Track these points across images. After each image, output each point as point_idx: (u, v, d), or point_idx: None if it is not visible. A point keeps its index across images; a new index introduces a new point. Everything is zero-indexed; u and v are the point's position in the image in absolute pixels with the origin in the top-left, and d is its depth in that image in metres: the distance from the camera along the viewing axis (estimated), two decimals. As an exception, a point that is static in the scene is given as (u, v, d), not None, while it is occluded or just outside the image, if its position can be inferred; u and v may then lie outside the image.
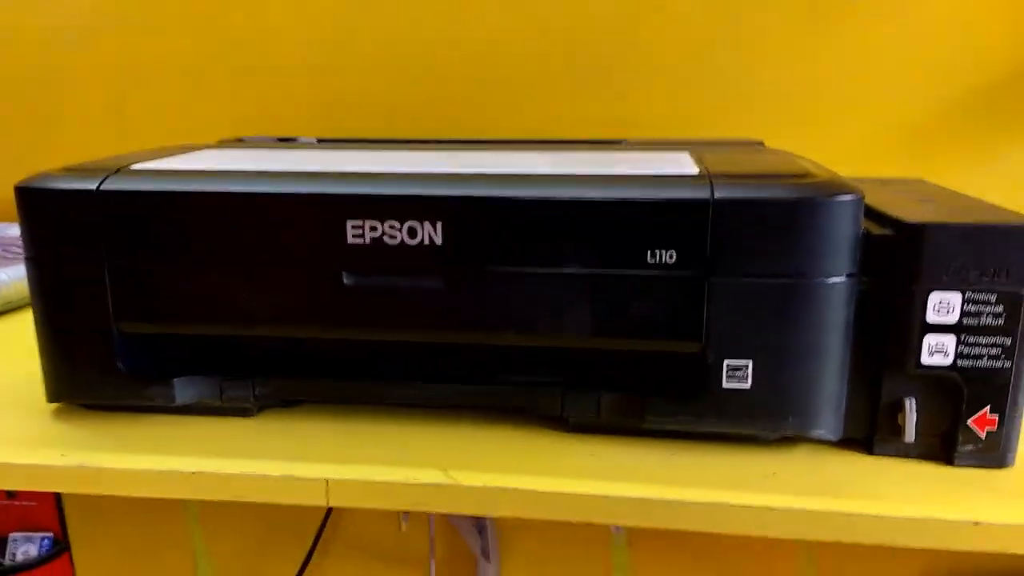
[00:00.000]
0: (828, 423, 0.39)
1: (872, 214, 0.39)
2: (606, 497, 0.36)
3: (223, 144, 0.56)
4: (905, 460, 0.39)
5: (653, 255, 0.37)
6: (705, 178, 0.37)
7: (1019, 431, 0.38)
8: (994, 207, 0.39)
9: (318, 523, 0.80)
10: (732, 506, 0.35)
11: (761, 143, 0.55)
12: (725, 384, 0.38)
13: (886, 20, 0.64)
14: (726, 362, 0.38)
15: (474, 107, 0.71)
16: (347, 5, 0.71)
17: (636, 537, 0.77)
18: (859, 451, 0.39)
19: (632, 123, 0.69)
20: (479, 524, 0.79)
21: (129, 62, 0.75)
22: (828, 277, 0.37)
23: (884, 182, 0.50)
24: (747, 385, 0.38)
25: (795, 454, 0.40)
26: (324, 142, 0.60)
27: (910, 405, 0.38)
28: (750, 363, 0.38)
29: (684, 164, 0.41)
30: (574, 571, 0.80)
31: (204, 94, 0.75)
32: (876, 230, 0.37)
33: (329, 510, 0.78)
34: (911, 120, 0.65)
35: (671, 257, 0.37)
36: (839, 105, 0.66)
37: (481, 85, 0.71)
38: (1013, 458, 0.38)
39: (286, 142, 0.60)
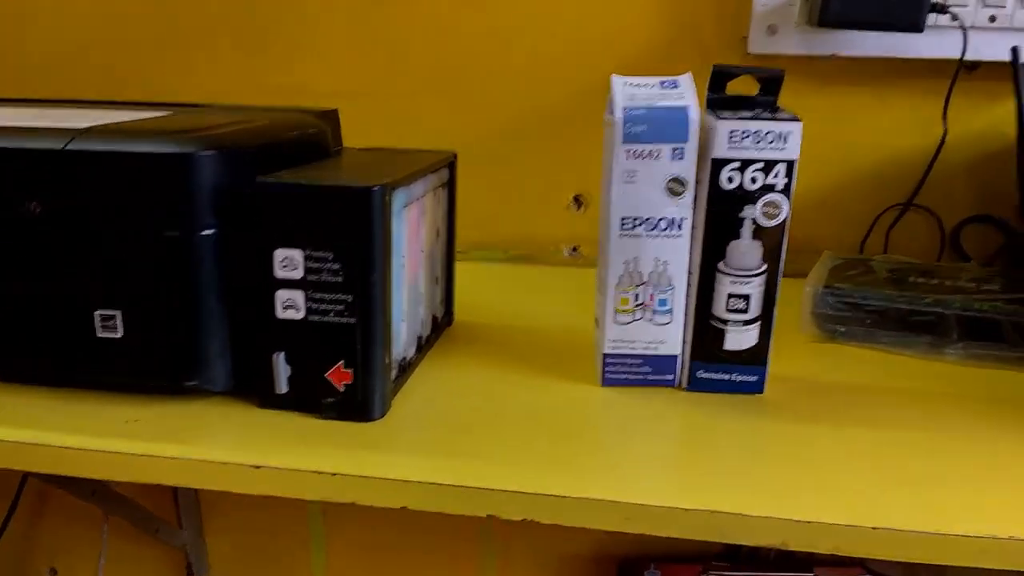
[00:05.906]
0: (207, 374, 0.40)
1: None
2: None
3: None
4: (283, 412, 0.40)
5: (22, 203, 0.38)
6: (72, 132, 0.38)
7: (383, 385, 0.39)
8: (394, 166, 0.40)
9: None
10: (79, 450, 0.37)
11: (335, 111, 0.56)
12: (99, 334, 0.39)
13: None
14: (97, 312, 0.39)
15: (152, 70, 0.72)
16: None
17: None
18: (252, 403, 0.41)
19: (298, 91, 0.70)
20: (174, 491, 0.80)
21: None
22: (191, 231, 0.38)
23: (399, 152, 0.51)
24: (119, 335, 0.39)
25: (178, 404, 0.41)
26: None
27: (277, 359, 0.39)
28: (119, 313, 0.39)
29: (108, 119, 0.42)
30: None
31: None
32: (248, 188, 0.38)
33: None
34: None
35: (36, 207, 0.38)
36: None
37: (158, 50, 0.71)
38: (381, 412, 0.40)
39: None
